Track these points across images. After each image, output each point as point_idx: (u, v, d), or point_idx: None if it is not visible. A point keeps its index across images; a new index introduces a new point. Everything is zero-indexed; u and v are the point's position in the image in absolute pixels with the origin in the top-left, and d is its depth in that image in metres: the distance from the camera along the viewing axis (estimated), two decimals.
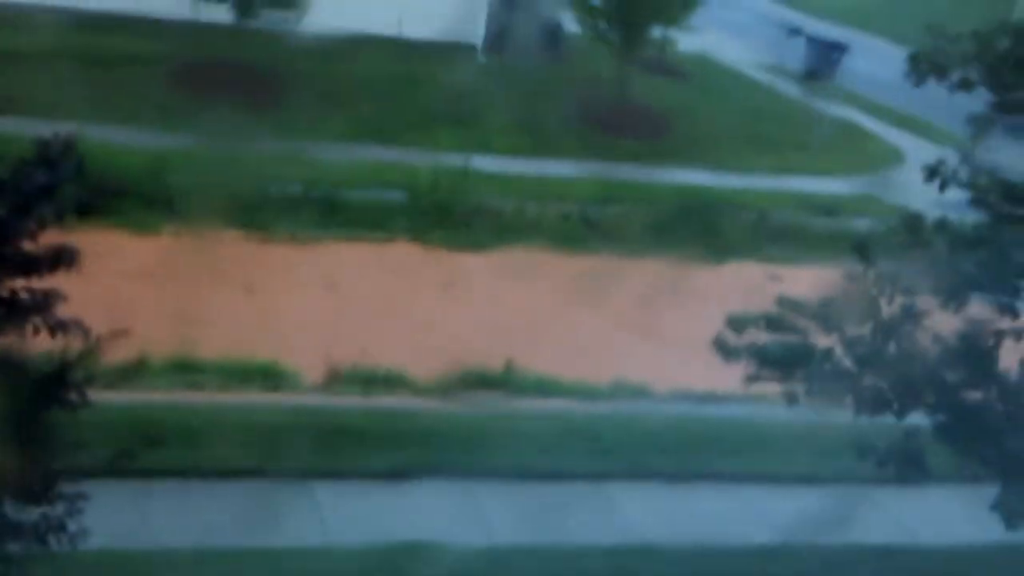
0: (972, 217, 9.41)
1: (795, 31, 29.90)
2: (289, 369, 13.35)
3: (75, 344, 7.12)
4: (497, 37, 26.09)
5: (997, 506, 8.50)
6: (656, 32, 23.33)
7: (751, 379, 9.36)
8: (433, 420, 12.75)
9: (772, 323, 9.42)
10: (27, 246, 7.06)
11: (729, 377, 10.04)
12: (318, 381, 13.41)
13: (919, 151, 21.92)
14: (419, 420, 12.70)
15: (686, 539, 11.07)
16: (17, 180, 6.94)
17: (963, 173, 9.01)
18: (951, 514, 11.19)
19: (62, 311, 7.17)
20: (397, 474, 11.54)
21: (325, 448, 11.66)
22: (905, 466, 9.00)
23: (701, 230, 19.44)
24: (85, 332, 7.12)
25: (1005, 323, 8.79)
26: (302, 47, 22.59)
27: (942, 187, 9.04)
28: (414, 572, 10.12)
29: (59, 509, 7.40)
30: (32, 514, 7.35)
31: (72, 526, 7.45)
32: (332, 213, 17.96)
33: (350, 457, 11.65)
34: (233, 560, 9.86)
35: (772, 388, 9.50)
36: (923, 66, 9.02)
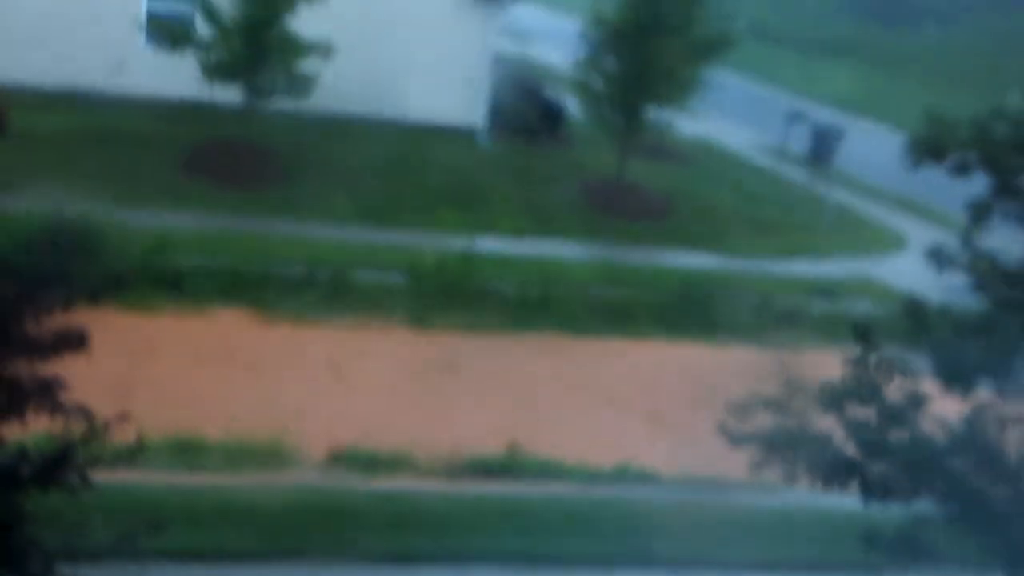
0: (973, 301, 9.44)
1: (796, 116, 30.24)
2: (290, 448, 13.30)
3: (78, 426, 7.10)
4: (499, 120, 26.39)
5: None
6: (657, 116, 23.57)
7: (757, 466, 9.30)
8: (435, 503, 12.65)
9: (775, 408, 9.39)
10: (32, 329, 7.04)
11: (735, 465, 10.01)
12: (319, 461, 13.34)
13: (919, 235, 22.07)
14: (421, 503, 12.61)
15: None
16: (26, 264, 6.96)
17: (963, 257, 9.05)
18: None
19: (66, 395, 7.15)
20: (398, 557, 11.41)
21: (325, 529, 11.56)
22: (916, 555, 8.90)
23: (705, 313, 19.47)
24: (88, 416, 7.10)
25: (1010, 410, 8.76)
26: (308, 129, 22.90)
27: (941, 271, 9.09)
28: None
29: None
30: None
31: None
32: (336, 295, 18.01)
33: (350, 539, 11.53)
34: None
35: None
36: (921, 150, 9.13)
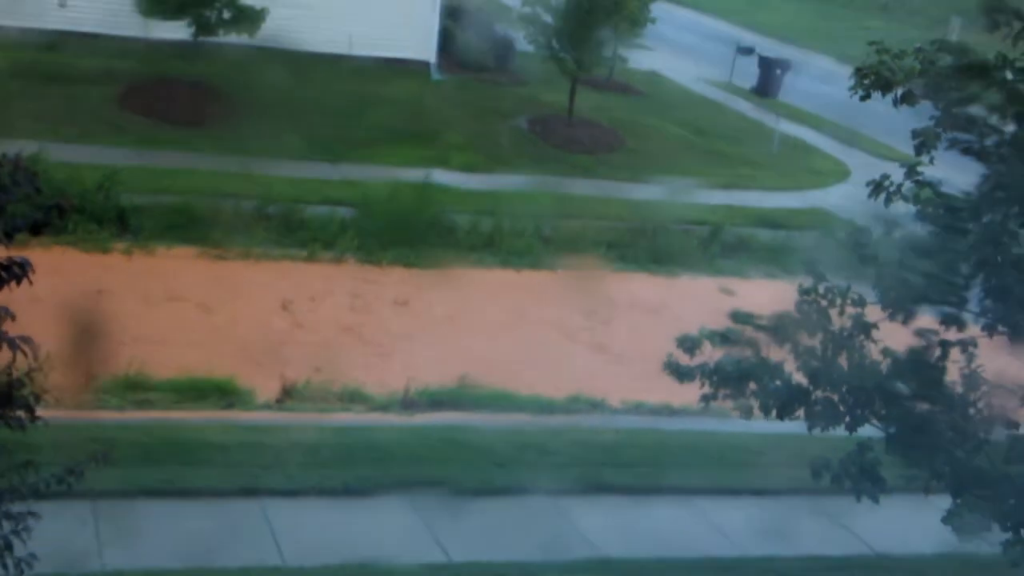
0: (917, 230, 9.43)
1: (746, 50, 30.13)
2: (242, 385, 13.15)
3: (22, 362, 6.91)
4: (451, 55, 26.04)
5: (948, 519, 8.48)
6: (608, 50, 23.37)
7: (707, 398, 9.29)
8: (387, 436, 12.58)
9: (725, 339, 9.36)
10: None
11: (681, 393, 10.01)
12: (271, 397, 13.21)
13: (863, 166, 22.13)
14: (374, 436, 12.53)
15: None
16: None
17: (907, 187, 9.02)
18: (908, 525, 11.17)
19: (11, 329, 6.95)
20: (351, 491, 11.34)
21: (277, 465, 11.46)
22: (860, 480, 8.96)
23: (654, 244, 19.48)
24: (34, 349, 6.90)
25: (951, 335, 8.80)
26: (257, 64, 22.40)
27: (887, 202, 9.05)
28: None
29: (5, 529, 7.15)
30: None
31: (20, 548, 7.20)
32: (287, 230, 17.76)
33: (303, 474, 11.43)
34: None
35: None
36: (868, 80, 9.04)
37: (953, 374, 8.87)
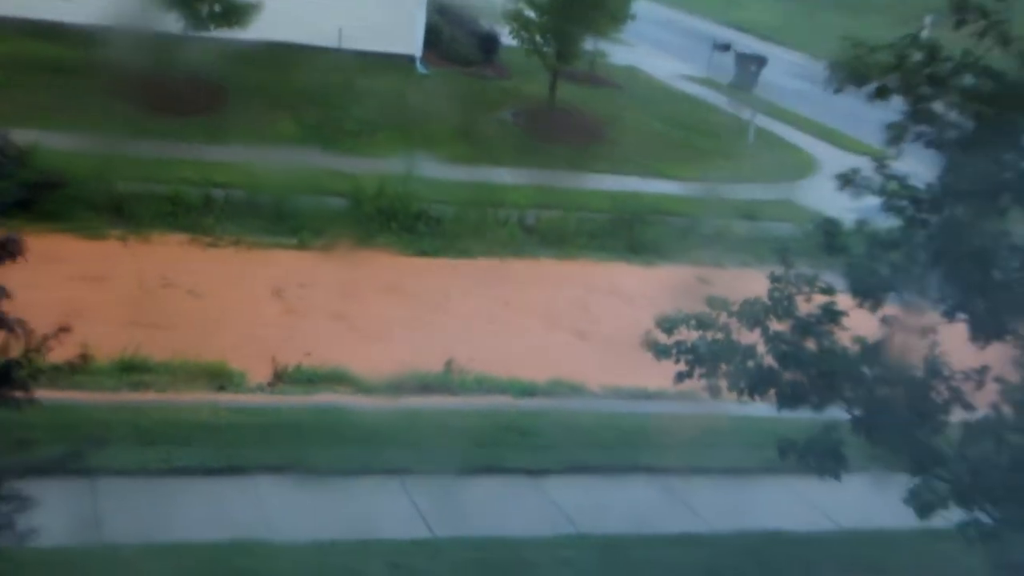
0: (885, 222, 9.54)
1: (723, 46, 30.21)
2: (235, 368, 13.18)
3: (19, 344, 6.94)
4: (437, 49, 26.02)
5: (909, 498, 8.59)
6: (588, 45, 23.41)
7: (681, 377, 9.40)
8: (374, 418, 12.64)
9: (700, 323, 9.47)
10: None
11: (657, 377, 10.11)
12: (263, 380, 13.24)
13: (834, 159, 22.27)
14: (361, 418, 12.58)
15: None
16: None
17: (876, 180, 9.11)
18: (871, 502, 11.30)
19: (7, 310, 6.98)
20: (339, 470, 11.40)
21: (268, 445, 11.51)
22: (824, 459, 9.08)
23: (633, 235, 19.58)
24: (27, 330, 6.93)
25: (915, 322, 8.91)
26: (250, 57, 22.35)
27: (856, 195, 9.14)
28: (355, 565, 10.02)
29: (5, 507, 7.20)
30: None
31: (20, 524, 7.24)
32: (278, 218, 17.77)
33: (293, 454, 11.48)
34: (177, 554, 9.67)
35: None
36: (842, 75, 9.11)
37: (916, 359, 8.98)
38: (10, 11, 22.11)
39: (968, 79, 8.56)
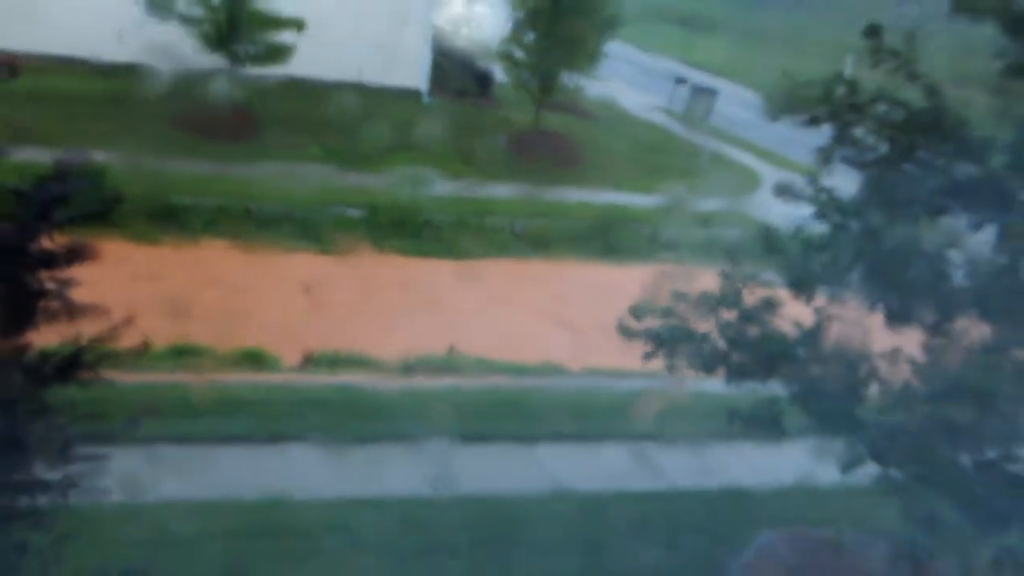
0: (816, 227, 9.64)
1: (681, 80, 30.28)
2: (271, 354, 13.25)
3: (90, 331, 7.00)
4: (440, 84, 26.11)
5: (837, 458, 8.69)
6: (568, 80, 23.60)
7: (647, 356, 9.49)
8: (390, 395, 12.72)
9: (664, 312, 9.56)
10: (47, 244, 6.92)
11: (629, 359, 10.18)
12: (295, 363, 13.32)
13: (774, 176, 22.34)
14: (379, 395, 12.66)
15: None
16: (37, 191, 6.83)
17: (809, 192, 9.22)
18: (805, 462, 11.40)
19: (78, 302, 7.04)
20: (359, 439, 11.48)
21: (299, 418, 11.59)
22: (766, 427, 9.18)
23: (608, 239, 19.68)
24: (98, 313, 6.98)
25: (840, 311, 9.02)
26: (276, 91, 22.41)
27: (791, 202, 9.24)
28: (371, 519, 10.10)
29: (78, 469, 7.26)
30: (57, 473, 7.20)
31: (90, 483, 7.31)
32: (307, 227, 17.83)
33: (320, 425, 11.55)
34: (221, 509, 9.75)
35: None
36: (779, 106, 9.23)
37: (843, 343, 9.08)
38: (74, 51, 22.14)
39: (883, 108, 8.66)
